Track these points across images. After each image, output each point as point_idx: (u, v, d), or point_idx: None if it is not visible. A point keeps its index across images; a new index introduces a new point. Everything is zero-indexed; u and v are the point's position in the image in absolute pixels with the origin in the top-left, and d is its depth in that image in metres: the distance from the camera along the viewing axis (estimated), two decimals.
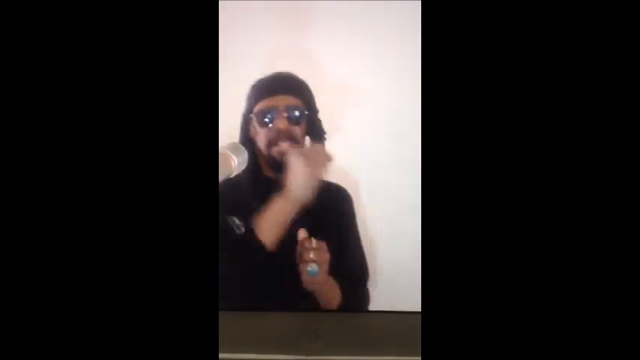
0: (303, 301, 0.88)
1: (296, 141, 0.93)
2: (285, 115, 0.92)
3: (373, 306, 0.90)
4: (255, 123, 0.92)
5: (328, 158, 0.92)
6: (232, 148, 0.76)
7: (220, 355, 0.57)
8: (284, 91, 0.94)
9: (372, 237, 0.95)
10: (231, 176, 0.76)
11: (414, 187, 0.77)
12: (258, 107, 0.92)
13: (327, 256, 0.89)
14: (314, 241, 0.89)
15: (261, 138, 0.92)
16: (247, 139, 0.93)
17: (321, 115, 0.94)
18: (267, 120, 0.92)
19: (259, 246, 0.87)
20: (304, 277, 0.88)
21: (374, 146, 0.95)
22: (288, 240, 0.88)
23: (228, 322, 0.63)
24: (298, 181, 0.88)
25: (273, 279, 0.89)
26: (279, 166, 0.91)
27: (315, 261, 0.89)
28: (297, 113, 0.92)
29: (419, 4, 0.61)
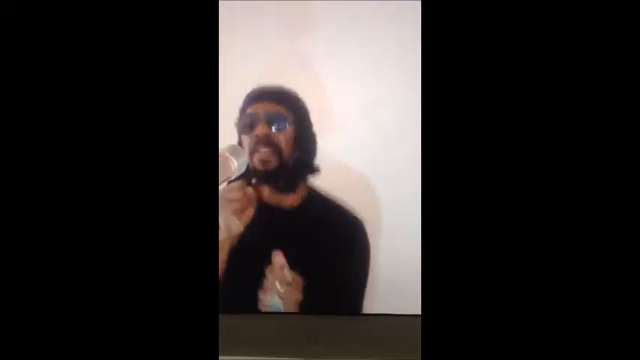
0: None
1: (277, 147, 0.91)
2: (265, 120, 0.91)
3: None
4: (240, 131, 0.92)
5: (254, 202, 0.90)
6: (232, 150, 0.76)
7: (220, 358, 0.56)
8: (267, 98, 0.92)
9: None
10: (231, 179, 0.76)
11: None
12: (245, 113, 0.92)
13: (298, 297, 0.87)
14: (288, 273, 0.87)
15: (245, 146, 0.92)
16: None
17: (318, 120, 0.93)
18: (248, 127, 0.91)
19: None
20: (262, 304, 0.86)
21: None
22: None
23: (228, 324, 0.63)
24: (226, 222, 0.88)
25: None
26: (260, 174, 0.91)
27: (281, 297, 0.87)
28: (278, 119, 0.91)
29: (419, 4, 0.61)
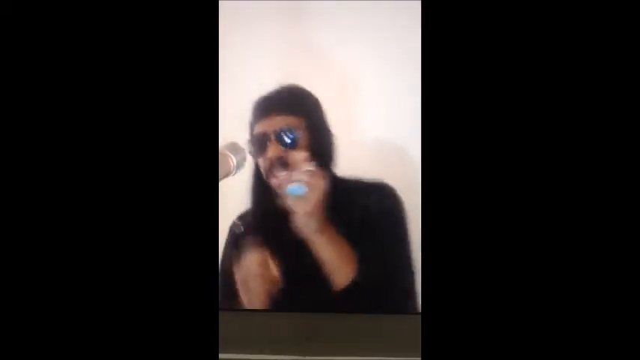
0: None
1: (294, 166, 0.86)
2: (276, 140, 0.86)
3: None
4: (253, 154, 0.88)
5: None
6: (231, 147, 0.75)
7: (219, 355, 0.56)
8: (278, 110, 0.88)
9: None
10: (230, 176, 0.75)
11: None
12: (253, 133, 0.87)
13: (321, 182, 0.84)
14: (307, 164, 0.83)
15: (261, 167, 0.87)
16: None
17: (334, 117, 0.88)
18: (259, 149, 0.87)
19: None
20: (287, 201, 0.82)
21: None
22: None
23: (226, 322, 0.63)
24: None
25: None
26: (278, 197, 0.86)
27: (302, 181, 0.82)
28: (289, 135, 0.86)
29: (419, 4, 0.60)
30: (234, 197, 0.90)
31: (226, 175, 0.74)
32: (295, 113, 0.88)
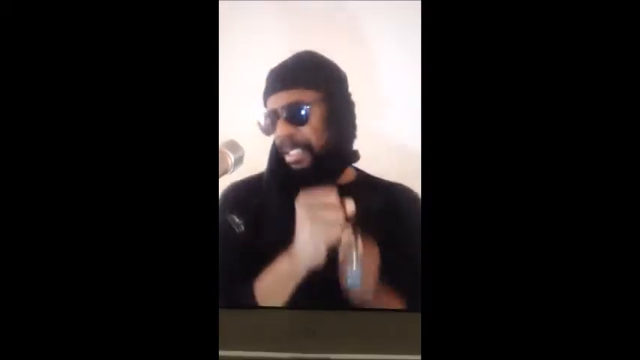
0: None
1: (305, 144, 0.81)
2: (285, 116, 0.81)
3: None
4: (264, 131, 0.83)
5: (346, 208, 0.78)
6: (229, 145, 0.75)
7: (219, 353, 0.57)
8: (287, 84, 0.82)
9: None
10: (228, 174, 0.75)
11: None
12: (266, 108, 0.82)
13: (376, 256, 0.78)
14: (360, 242, 0.77)
15: (273, 144, 0.83)
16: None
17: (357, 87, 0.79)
18: (270, 127, 0.82)
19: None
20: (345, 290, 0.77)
21: None
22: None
23: (226, 319, 0.63)
24: (305, 246, 0.78)
25: None
26: (291, 178, 0.82)
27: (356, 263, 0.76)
28: (299, 111, 0.80)
29: (419, 4, 0.60)
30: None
31: (224, 173, 0.74)
32: (308, 85, 0.82)
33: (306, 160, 0.82)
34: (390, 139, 0.85)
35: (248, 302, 0.83)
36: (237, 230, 0.85)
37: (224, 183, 0.86)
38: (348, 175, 0.86)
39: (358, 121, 0.84)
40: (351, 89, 0.84)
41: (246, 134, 0.79)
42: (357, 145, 0.85)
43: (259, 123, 0.84)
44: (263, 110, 0.84)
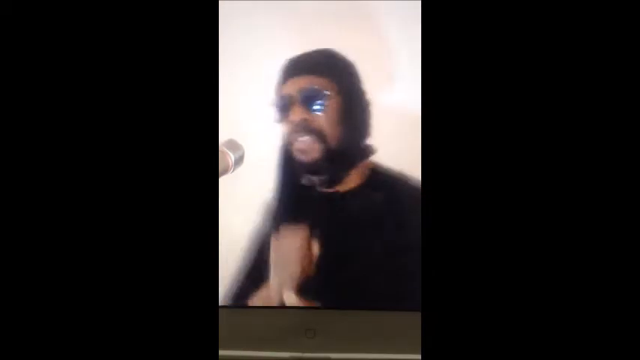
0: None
1: (318, 133, 0.77)
2: (300, 101, 0.77)
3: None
4: (274, 117, 0.79)
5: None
6: (229, 145, 0.75)
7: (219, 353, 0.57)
8: (304, 71, 0.77)
9: None
10: (229, 173, 0.75)
11: None
12: (279, 95, 0.78)
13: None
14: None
15: (282, 134, 0.78)
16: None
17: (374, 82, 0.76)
18: (282, 112, 0.78)
19: None
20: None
21: None
22: None
23: (223, 319, 0.63)
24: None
25: None
26: (303, 167, 0.77)
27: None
28: (315, 96, 0.76)
29: (419, 4, 0.60)
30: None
31: (224, 173, 0.74)
32: (325, 75, 0.78)
33: (316, 151, 0.78)
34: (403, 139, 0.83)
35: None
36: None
37: (224, 182, 0.86)
38: (358, 176, 0.81)
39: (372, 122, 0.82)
40: (365, 88, 0.81)
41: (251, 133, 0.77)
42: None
43: (270, 104, 0.79)
44: (275, 97, 0.80)
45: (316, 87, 0.77)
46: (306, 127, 0.77)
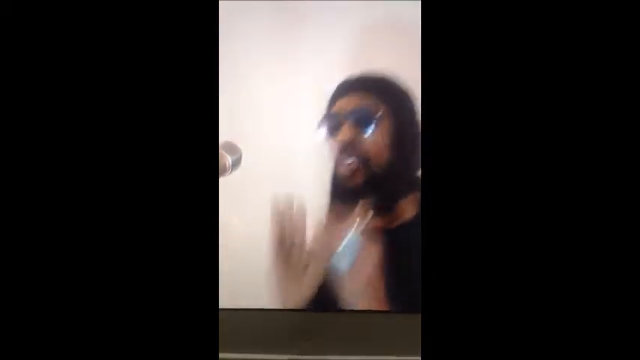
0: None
1: (364, 156, 0.73)
2: (351, 120, 0.73)
3: None
4: (325, 136, 0.75)
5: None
6: (227, 147, 0.75)
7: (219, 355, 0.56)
8: (357, 89, 0.75)
9: None
10: (226, 175, 0.75)
11: None
12: (329, 112, 0.75)
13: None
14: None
15: (330, 155, 0.75)
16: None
17: None
18: (331, 131, 0.75)
19: None
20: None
21: None
22: None
23: (222, 320, 0.63)
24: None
25: None
26: (348, 192, 0.74)
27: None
28: (367, 116, 0.72)
29: (419, 4, 0.60)
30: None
31: (221, 175, 0.74)
32: (379, 96, 0.75)
33: (360, 176, 0.75)
34: None
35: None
36: None
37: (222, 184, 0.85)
38: (407, 210, 0.76)
39: None
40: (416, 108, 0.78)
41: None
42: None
43: (320, 123, 0.77)
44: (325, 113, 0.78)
45: (368, 108, 0.74)
46: (353, 148, 0.74)
